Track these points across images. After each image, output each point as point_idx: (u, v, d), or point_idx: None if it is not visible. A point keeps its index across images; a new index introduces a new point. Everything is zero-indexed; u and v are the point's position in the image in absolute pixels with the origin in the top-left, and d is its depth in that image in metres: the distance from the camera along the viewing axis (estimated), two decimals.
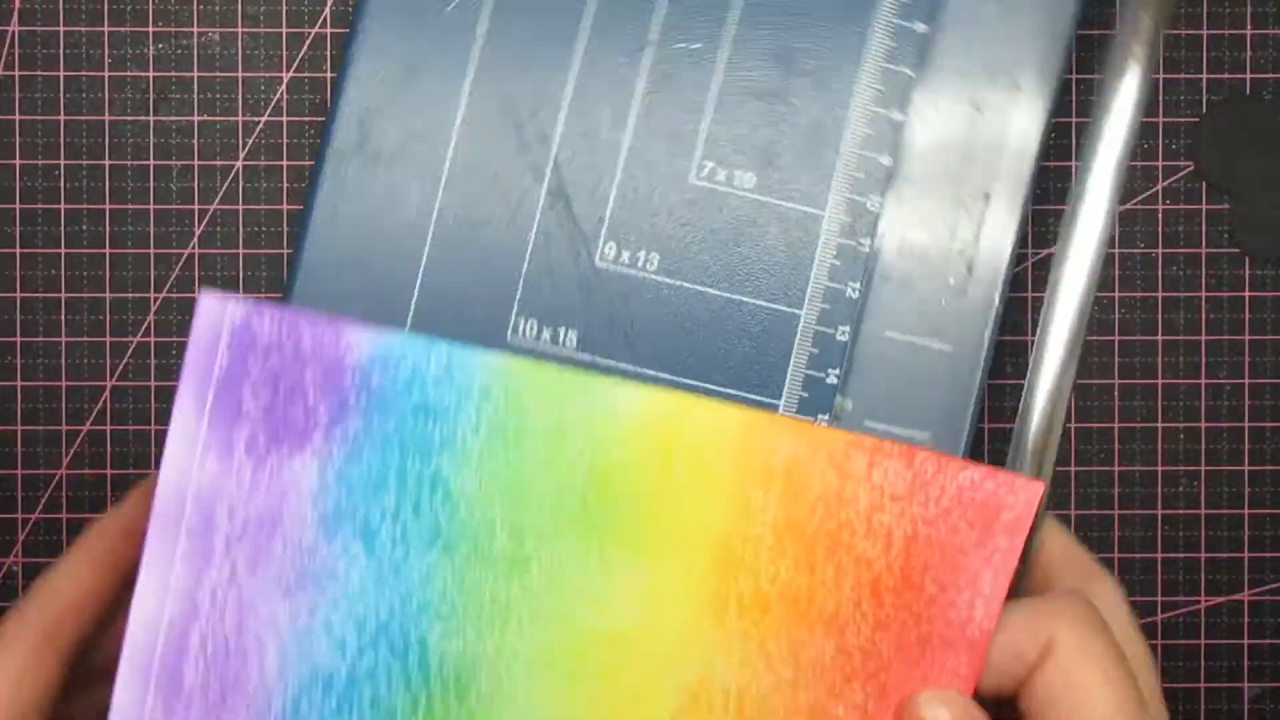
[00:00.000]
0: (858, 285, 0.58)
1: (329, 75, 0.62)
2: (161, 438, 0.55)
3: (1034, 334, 0.61)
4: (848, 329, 0.58)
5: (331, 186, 0.56)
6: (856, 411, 0.58)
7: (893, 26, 0.57)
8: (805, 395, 0.58)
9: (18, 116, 0.60)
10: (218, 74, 0.62)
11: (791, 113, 0.57)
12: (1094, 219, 0.52)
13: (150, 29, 0.60)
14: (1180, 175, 0.64)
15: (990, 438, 0.64)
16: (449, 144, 0.56)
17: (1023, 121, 0.58)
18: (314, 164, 0.56)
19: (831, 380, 0.58)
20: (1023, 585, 0.50)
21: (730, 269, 0.57)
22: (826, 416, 0.58)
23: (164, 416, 0.61)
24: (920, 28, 0.57)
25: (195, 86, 0.62)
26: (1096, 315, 0.63)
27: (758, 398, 0.58)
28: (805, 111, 0.57)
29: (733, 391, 0.57)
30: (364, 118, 0.56)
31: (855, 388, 0.58)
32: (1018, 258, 0.61)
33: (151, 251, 0.61)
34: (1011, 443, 0.51)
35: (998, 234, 0.58)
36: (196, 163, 0.62)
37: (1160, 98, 0.63)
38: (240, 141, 0.62)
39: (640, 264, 0.57)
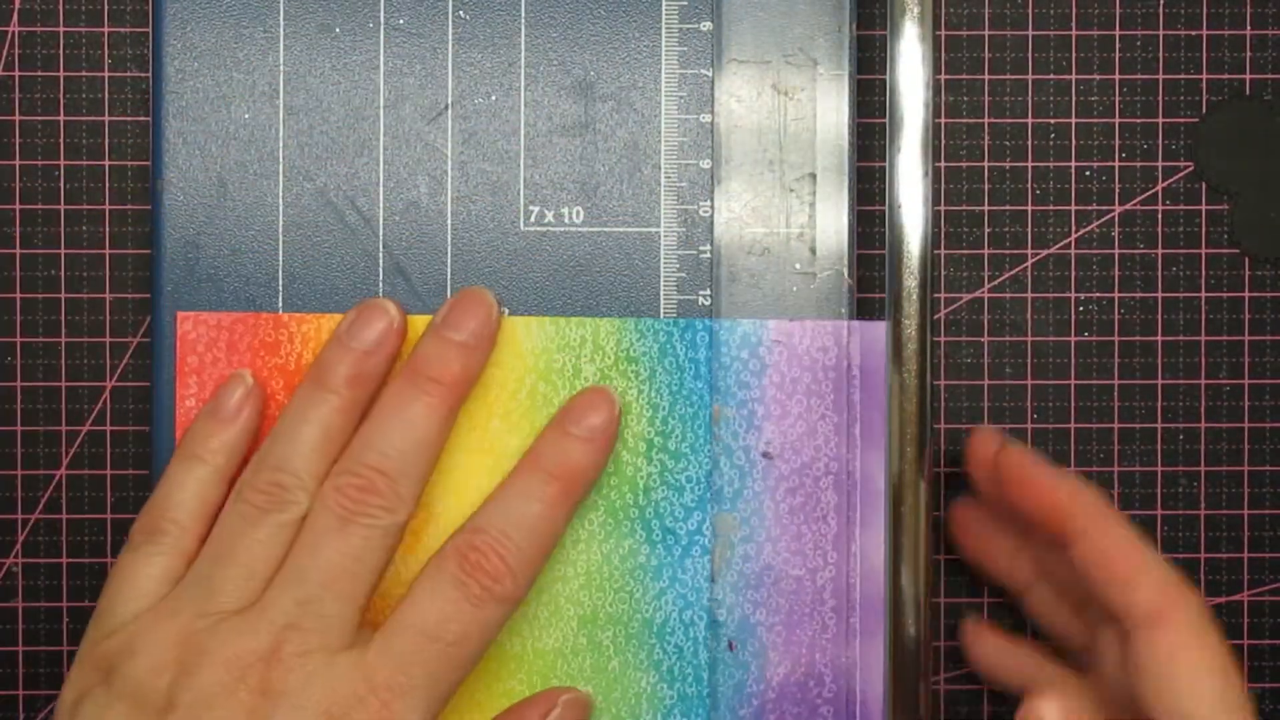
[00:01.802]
0: (707, 292, 0.57)
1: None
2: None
3: (1033, 334, 0.60)
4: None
5: (171, 315, 0.58)
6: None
7: (680, 31, 0.57)
8: None
9: (18, 117, 0.60)
10: None
11: (602, 139, 0.57)
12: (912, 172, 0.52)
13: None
14: (1180, 175, 0.61)
15: None
16: (277, 250, 0.58)
17: (829, 95, 0.57)
18: (151, 290, 0.59)
19: None
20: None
21: (580, 304, 0.57)
22: None
23: None
24: (706, 26, 0.57)
25: None
26: (1096, 315, 0.61)
27: None
28: (615, 135, 0.57)
29: None
30: (188, 244, 0.58)
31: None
32: (1015, 258, 0.60)
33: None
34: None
35: (832, 211, 0.57)
36: None
37: (1160, 98, 0.61)
38: None
39: None
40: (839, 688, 0.57)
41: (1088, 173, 0.60)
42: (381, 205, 0.57)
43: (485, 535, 0.53)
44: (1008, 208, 0.60)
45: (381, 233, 0.57)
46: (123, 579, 0.53)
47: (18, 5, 0.60)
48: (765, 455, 0.57)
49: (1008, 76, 0.60)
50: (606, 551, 0.57)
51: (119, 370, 0.60)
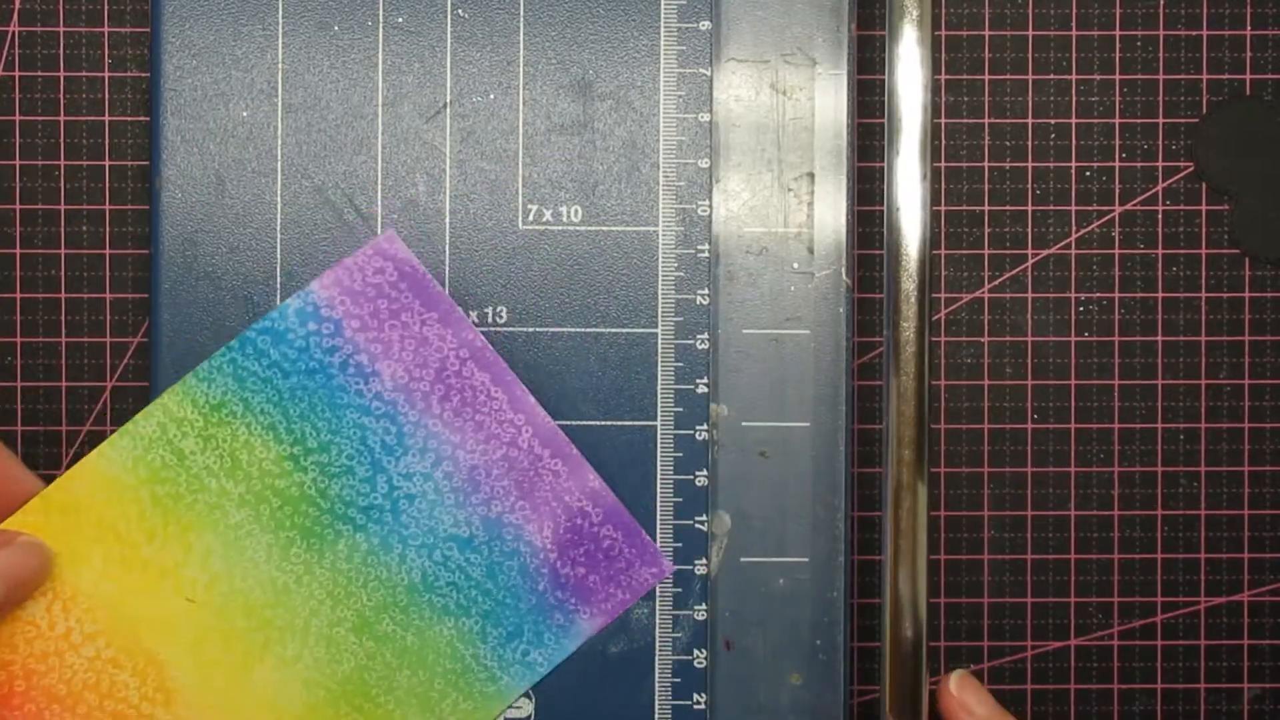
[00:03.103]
0: (706, 291, 0.57)
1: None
2: None
3: (1033, 334, 0.60)
4: (706, 336, 0.57)
5: (169, 312, 0.58)
6: (733, 415, 0.57)
7: (678, 30, 0.57)
8: (680, 410, 0.57)
9: (18, 117, 0.60)
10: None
11: (600, 138, 0.57)
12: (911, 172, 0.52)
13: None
14: (1180, 176, 0.61)
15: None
16: (275, 248, 0.58)
17: (827, 94, 0.57)
18: (150, 288, 0.58)
19: (702, 390, 0.57)
20: None
21: (579, 304, 0.57)
22: (705, 426, 0.57)
23: None
24: (705, 26, 0.57)
25: None
26: (1096, 315, 0.61)
27: (633, 423, 0.57)
28: (613, 134, 0.57)
29: (609, 422, 0.57)
30: (186, 241, 0.58)
31: (727, 392, 0.57)
32: (1016, 258, 0.60)
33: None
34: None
35: (830, 211, 0.57)
36: None
37: (1160, 98, 0.61)
38: None
39: (489, 320, 0.57)
40: (606, 507, 0.57)
41: (1088, 173, 0.60)
42: (380, 203, 0.57)
43: None
44: (1008, 208, 0.60)
45: (380, 230, 0.57)
46: None
47: (18, 5, 0.60)
48: (761, 455, 0.57)
49: (1008, 76, 0.60)
50: (330, 562, 0.57)
51: (119, 370, 0.60)
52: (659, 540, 0.57)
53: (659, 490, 0.57)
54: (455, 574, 0.57)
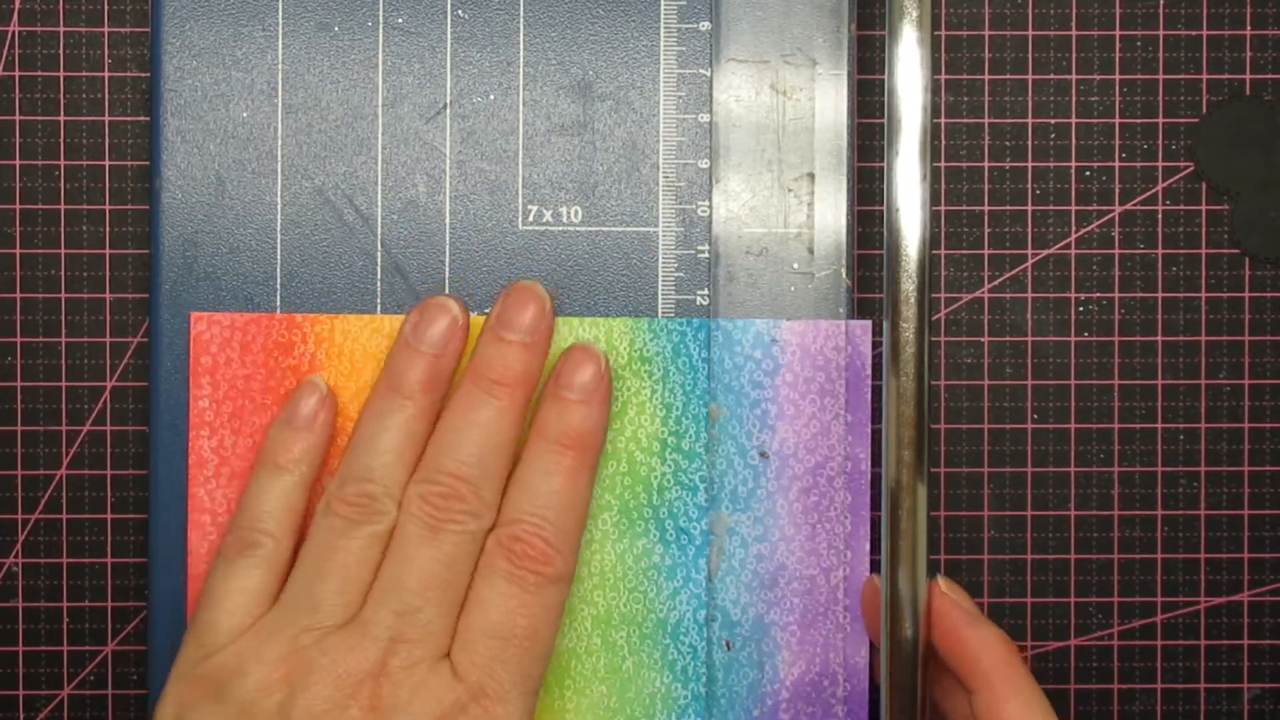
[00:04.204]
0: (705, 291, 0.57)
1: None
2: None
3: (1033, 334, 0.60)
4: None
5: (169, 312, 0.58)
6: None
7: (678, 31, 0.57)
8: None
9: (18, 116, 0.60)
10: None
11: (600, 139, 0.57)
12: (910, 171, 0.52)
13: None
14: (1180, 175, 0.61)
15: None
16: (275, 249, 0.58)
17: (828, 95, 0.57)
18: (150, 288, 0.58)
19: None
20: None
21: (579, 304, 0.57)
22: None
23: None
24: (705, 26, 0.57)
25: None
26: (1096, 315, 0.61)
27: None
28: (613, 135, 0.57)
29: None
30: (186, 242, 0.58)
31: None
32: (1015, 258, 0.60)
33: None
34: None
35: (831, 211, 0.57)
36: None
37: (1160, 98, 0.61)
38: None
39: None
40: (853, 687, 0.57)
41: (1088, 173, 0.60)
42: (380, 204, 0.57)
43: (522, 524, 0.53)
44: (1008, 208, 0.60)
45: (380, 231, 0.57)
46: (219, 593, 0.54)
47: (18, 5, 0.60)
48: (762, 455, 0.57)
49: (1008, 76, 0.60)
50: (620, 551, 0.57)
51: (119, 370, 0.60)
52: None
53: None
54: (701, 643, 0.57)
